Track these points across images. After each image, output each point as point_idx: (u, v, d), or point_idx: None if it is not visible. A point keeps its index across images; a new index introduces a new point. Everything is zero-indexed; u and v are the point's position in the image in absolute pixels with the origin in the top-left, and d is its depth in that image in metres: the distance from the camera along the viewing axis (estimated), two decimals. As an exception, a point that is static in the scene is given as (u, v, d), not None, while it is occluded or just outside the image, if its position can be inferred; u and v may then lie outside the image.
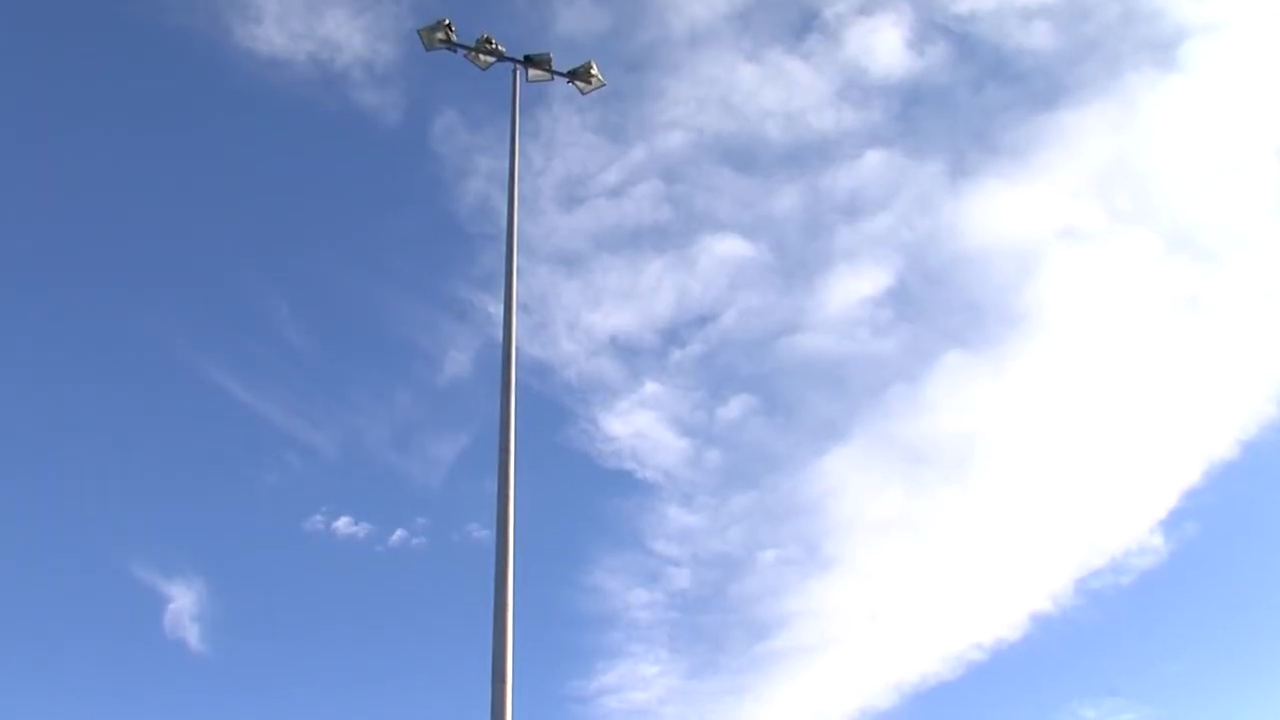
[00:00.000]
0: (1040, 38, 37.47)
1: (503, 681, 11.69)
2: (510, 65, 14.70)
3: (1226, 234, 38.90)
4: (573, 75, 15.23)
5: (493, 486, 11.15)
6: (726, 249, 40.51)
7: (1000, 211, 39.11)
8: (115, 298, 40.64)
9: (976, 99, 40.76)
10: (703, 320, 42.64)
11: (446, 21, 14.45)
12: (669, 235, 39.74)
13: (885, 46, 38.04)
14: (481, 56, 14.60)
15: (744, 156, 39.39)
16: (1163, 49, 39.14)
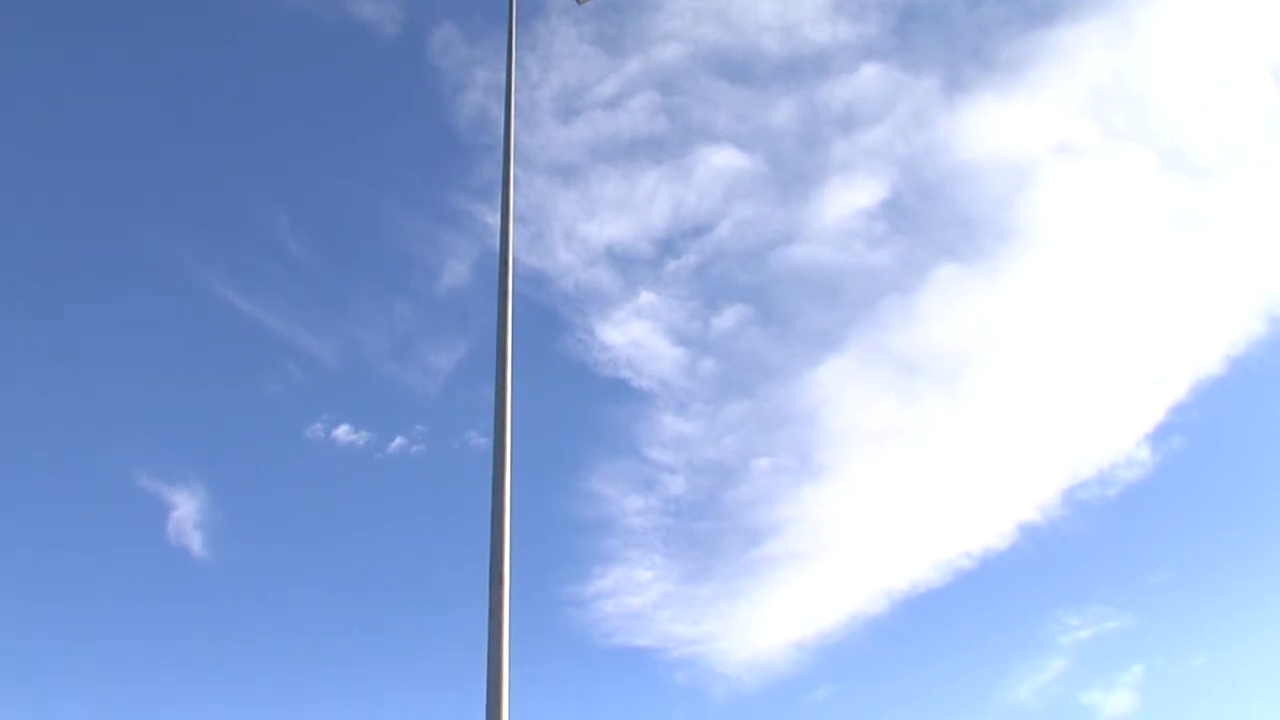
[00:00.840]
0: (1037, -47, 36.96)
1: (500, 585, 11.99)
2: (507, -26, 14.49)
3: (1221, 152, 38.69)
4: (570, -15, 14.99)
5: (490, 394, 11.29)
6: (722, 160, 40.23)
7: (995, 127, 38.82)
8: (117, 211, 40.40)
9: (973, 14, 40.16)
10: (698, 231, 42.58)
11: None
12: (665, 146, 39.41)
13: (882, -42, 37.45)
14: (478, -35, 14.33)
15: (740, 69, 38.88)
16: (1159, -33, 38.56)
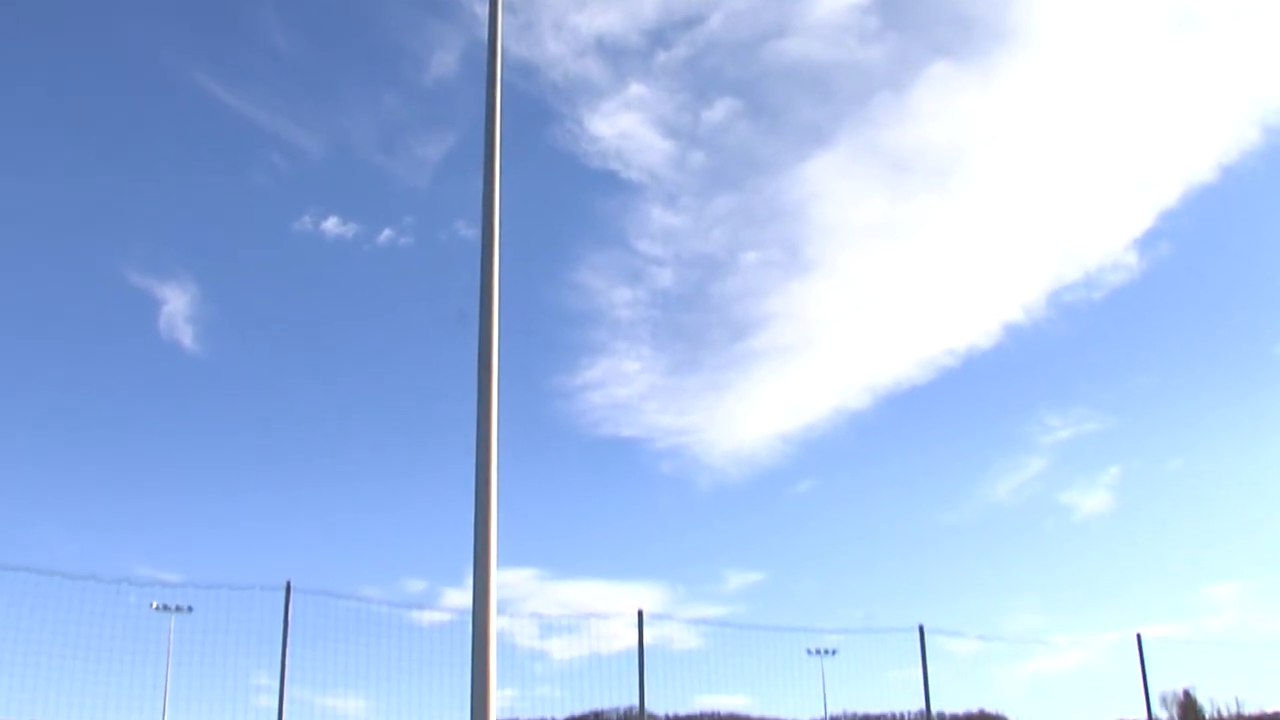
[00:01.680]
0: None
1: (489, 372, 12.24)
2: None
3: (1224, -47, 36.86)
4: None
5: (479, 185, 11.19)
6: (715, -49, 38.16)
7: (994, -77, 36.79)
8: (101, 5, 38.44)
9: None
10: (689, 22, 40.89)
11: None
12: (657, -65, 37.31)
13: None
14: None
15: None
16: None
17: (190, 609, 14.77)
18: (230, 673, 12.84)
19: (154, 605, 15.31)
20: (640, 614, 13.66)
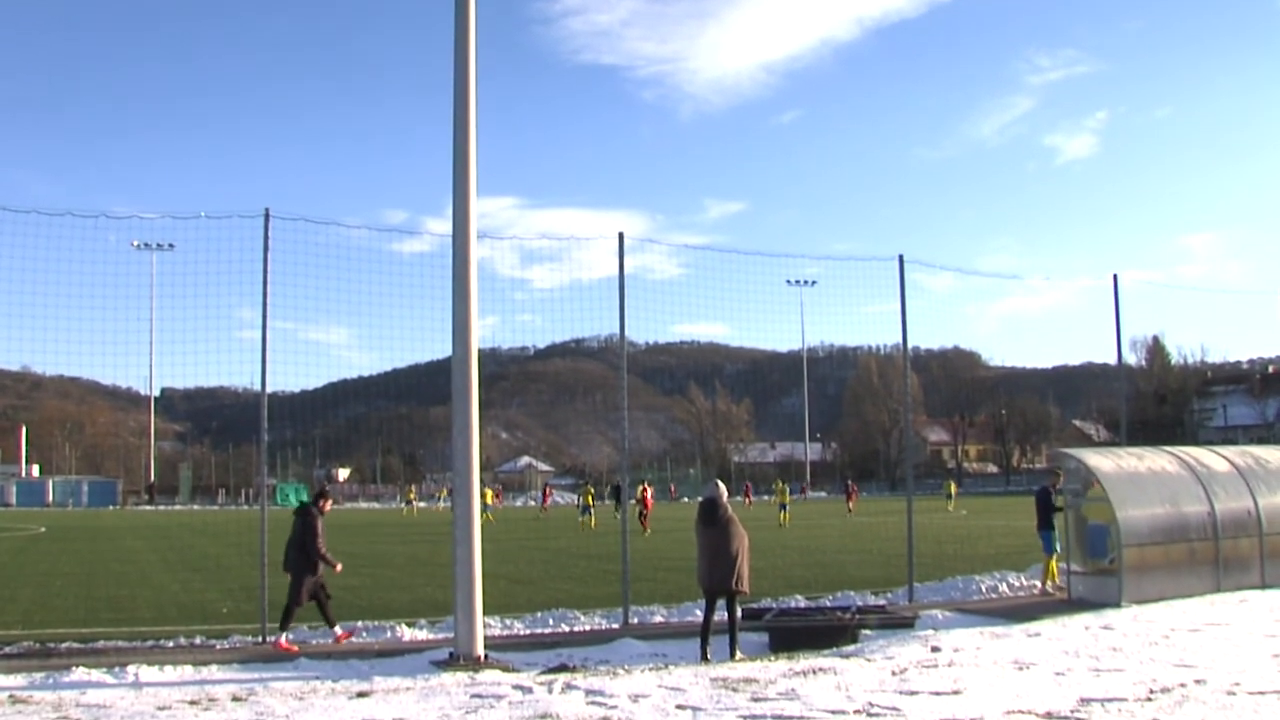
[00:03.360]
0: None
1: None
2: None
3: None
4: None
5: None
6: None
7: None
8: None
9: None
10: None
11: None
12: None
13: None
14: None
15: None
16: None
17: (171, 246, 14.61)
18: (214, 308, 12.91)
19: (135, 244, 15.13)
20: (621, 236, 13.60)
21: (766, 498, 73.21)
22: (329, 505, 12.49)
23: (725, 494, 11.53)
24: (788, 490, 46.57)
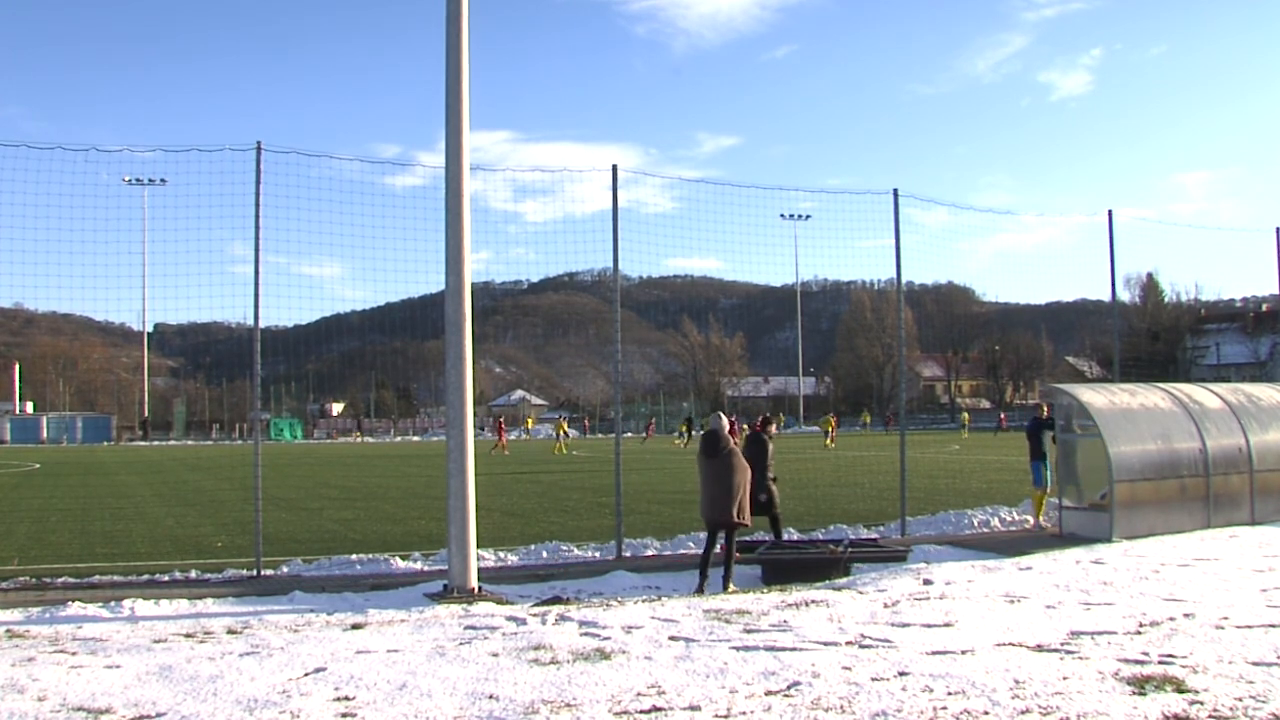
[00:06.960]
0: None
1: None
2: None
3: None
4: None
5: None
6: None
7: None
8: None
9: None
10: None
11: None
12: None
13: None
14: None
15: None
16: None
17: (164, 181, 14.37)
18: (206, 243, 12.76)
19: (126, 179, 14.89)
20: (614, 169, 13.42)
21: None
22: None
23: (727, 426, 11.59)
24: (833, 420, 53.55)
